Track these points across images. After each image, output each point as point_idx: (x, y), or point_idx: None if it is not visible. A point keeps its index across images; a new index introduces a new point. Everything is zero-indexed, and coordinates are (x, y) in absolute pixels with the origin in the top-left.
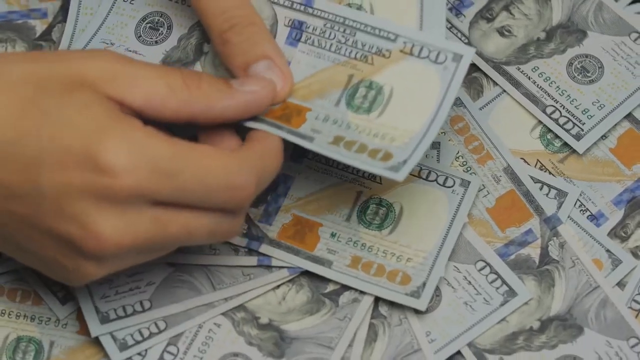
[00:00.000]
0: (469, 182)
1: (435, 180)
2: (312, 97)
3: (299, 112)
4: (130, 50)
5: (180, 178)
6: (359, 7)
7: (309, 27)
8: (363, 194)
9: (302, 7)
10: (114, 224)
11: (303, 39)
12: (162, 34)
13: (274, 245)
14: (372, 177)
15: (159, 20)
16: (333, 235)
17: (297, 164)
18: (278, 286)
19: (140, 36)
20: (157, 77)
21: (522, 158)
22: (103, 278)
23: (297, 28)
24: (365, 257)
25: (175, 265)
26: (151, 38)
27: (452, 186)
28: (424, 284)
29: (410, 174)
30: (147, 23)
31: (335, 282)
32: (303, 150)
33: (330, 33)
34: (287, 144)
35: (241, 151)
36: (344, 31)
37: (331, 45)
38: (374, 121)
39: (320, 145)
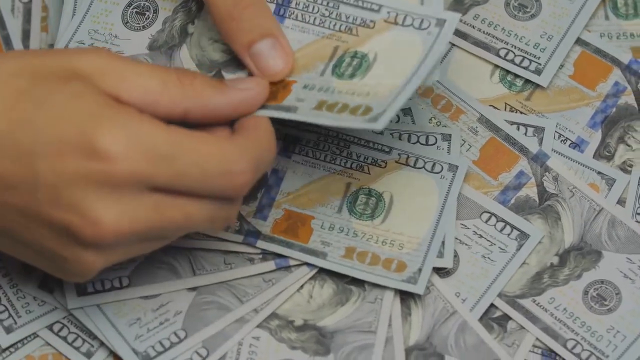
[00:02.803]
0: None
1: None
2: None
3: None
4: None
5: (177, 163)
6: None
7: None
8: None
9: None
10: (112, 210)
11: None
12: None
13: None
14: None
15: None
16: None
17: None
18: (302, 286)
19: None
20: (151, 74)
21: (490, 105)
22: (129, 319)
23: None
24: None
25: (196, 289)
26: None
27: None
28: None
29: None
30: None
31: None
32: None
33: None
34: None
35: (237, 138)
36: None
37: (315, 19)
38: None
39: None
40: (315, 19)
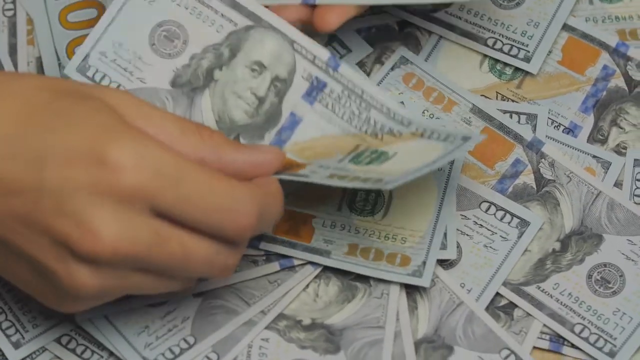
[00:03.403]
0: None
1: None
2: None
3: (304, 220)
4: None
5: (183, 187)
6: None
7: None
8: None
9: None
10: (112, 225)
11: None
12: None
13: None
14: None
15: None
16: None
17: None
18: (307, 285)
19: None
20: (171, 119)
21: (482, 95)
22: (137, 328)
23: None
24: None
25: (202, 295)
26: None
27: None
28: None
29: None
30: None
31: None
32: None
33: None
34: None
35: (247, 184)
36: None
37: (344, 113)
38: (379, 222)
39: (338, 259)
40: (344, 113)
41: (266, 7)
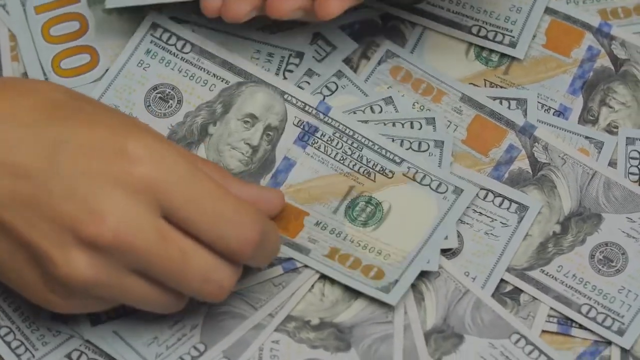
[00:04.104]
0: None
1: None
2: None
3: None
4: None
5: (194, 191)
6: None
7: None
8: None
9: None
10: (119, 212)
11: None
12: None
13: None
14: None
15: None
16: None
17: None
18: (312, 285)
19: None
20: (181, 149)
21: (470, 83)
22: (146, 339)
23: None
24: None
25: (207, 303)
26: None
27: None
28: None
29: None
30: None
31: None
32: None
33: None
34: None
35: (252, 205)
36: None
37: (336, 154)
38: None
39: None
40: (337, 154)
41: None
